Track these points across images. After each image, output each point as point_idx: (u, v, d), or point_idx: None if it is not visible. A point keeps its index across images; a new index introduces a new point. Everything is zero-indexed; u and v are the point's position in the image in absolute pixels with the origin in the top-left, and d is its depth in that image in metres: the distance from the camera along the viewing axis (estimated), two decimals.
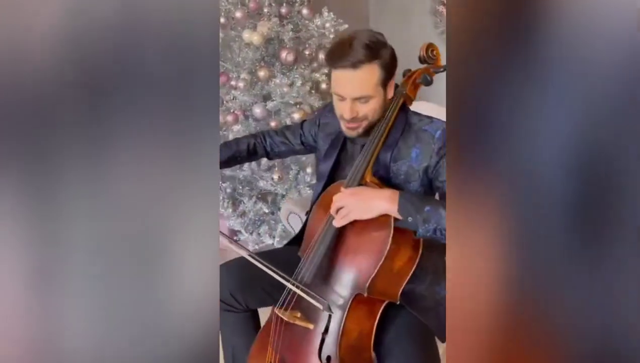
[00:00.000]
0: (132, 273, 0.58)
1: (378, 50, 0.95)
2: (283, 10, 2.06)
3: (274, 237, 2.17)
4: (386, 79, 0.99)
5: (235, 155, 1.28)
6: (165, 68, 0.58)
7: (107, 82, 0.55)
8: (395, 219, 0.92)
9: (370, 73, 0.95)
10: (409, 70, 1.12)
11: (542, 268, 0.58)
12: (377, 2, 3.38)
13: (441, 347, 1.14)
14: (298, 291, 0.95)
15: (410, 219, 0.89)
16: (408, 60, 3.47)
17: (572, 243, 0.57)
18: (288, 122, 2.02)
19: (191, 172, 0.61)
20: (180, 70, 0.59)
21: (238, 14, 1.97)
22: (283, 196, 2.17)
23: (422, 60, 1.11)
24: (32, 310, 0.54)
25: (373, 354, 0.96)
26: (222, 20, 2.04)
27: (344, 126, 1.04)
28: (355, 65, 0.93)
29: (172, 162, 0.60)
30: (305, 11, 2.07)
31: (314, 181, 1.74)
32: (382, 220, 0.92)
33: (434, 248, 1.13)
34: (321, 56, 2.08)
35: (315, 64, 2.09)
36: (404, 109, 1.07)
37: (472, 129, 0.61)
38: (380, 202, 0.91)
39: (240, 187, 2.28)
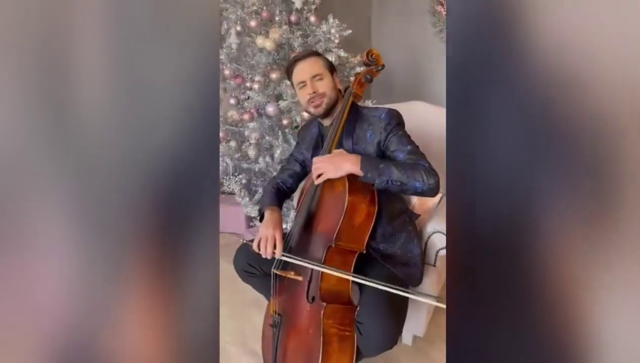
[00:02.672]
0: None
1: (317, 52, 1.38)
2: (292, 18, 2.28)
3: (286, 222, 2.40)
4: (329, 68, 1.36)
5: (279, 197, 1.48)
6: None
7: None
8: (357, 178, 1.17)
9: (316, 61, 1.34)
10: (358, 73, 1.38)
11: None
12: (379, 5, 3.56)
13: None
14: (284, 258, 1.20)
15: (369, 174, 1.14)
16: (407, 57, 3.75)
17: None
18: (298, 120, 2.24)
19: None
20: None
21: (252, 23, 2.19)
22: None
23: (366, 63, 1.37)
24: None
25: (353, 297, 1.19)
26: (238, 28, 2.26)
27: (311, 109, 1.34)
28: (304, 57, 1.35)
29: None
30: (312, 18, 2.28)
31: None
32: (340, 190, 1.17)
33: (409, 221, 1.39)
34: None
35: None
36: (356, 106, 1.35)
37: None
38: (347, 164, 1.17)
39: (255, 179, 2.51)
